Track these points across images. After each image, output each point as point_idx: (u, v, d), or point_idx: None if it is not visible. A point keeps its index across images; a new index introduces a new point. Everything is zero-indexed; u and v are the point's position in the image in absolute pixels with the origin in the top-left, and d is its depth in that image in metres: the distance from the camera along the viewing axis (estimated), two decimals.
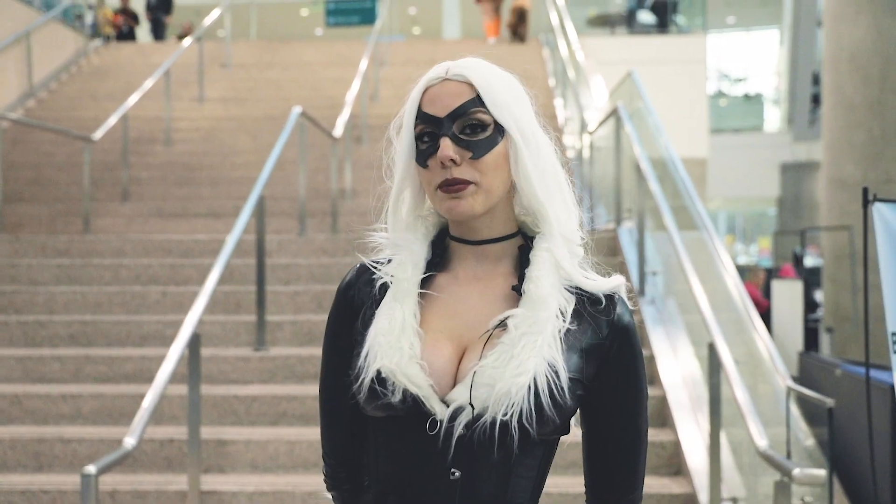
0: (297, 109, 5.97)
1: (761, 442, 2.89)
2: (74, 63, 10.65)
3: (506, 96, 1.14)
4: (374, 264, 1.19)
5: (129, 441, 2.88)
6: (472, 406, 1.08)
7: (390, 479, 1.14)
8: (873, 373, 3.16)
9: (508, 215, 1.16)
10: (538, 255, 1.13)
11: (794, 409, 3.65)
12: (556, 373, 1.08)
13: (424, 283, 1.16)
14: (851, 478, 4.00)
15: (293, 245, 5.86)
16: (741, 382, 3.26)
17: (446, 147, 1.10)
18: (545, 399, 1.07)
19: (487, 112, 1.11)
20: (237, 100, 9.46)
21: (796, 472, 2.57)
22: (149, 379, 4.13)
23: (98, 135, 7.07)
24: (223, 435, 3.95)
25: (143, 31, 14.28)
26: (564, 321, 1.11)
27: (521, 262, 1.15)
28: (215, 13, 10.76)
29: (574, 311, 1.13)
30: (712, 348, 3.53)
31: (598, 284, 1.14)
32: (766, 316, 7.10)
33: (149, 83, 8.27)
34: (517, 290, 1.13)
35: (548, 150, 1.17)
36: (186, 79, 9.47)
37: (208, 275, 4.12)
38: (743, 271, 8.22)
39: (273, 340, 4.80)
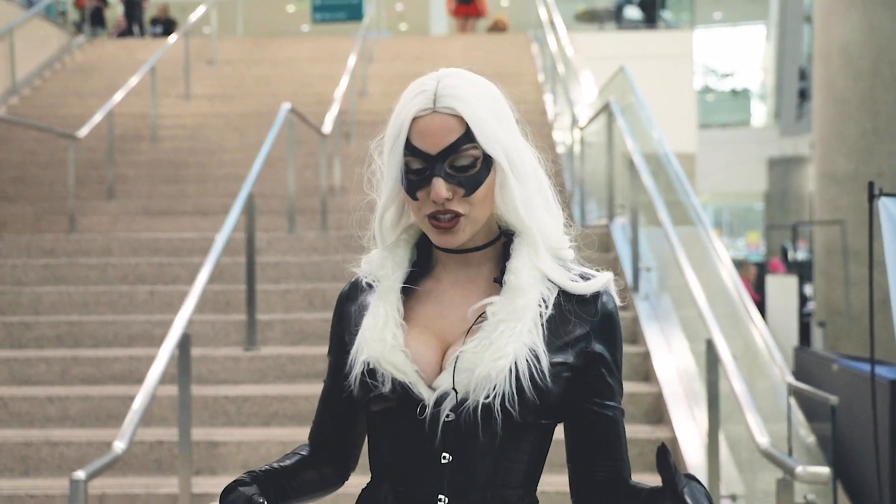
0: (286, 106, 5.90)
1: (762, 439, 2.86)
2: (58, 59, 10.52)
3: (493, 125, 1.15)
4: (361, 274, 1.25)
5: (119, 445, 2.82)
6: (455, 391, 1.11)
7: (387, 468, 1.17)
8: (868, 367, 3.14)
9: (491, 225, 1.20)
10: (517, 249, 1.17)
11: (794, 406, 3.62)
12: (537, 357, 1.11)
13: (409, 282, 1.20)
14: (851, 474, 3.98)
15: (283, 243, 5.79)
16: (740, 378, 3.22)
17: (440, 187, 1.12)
18: (526, 382, 1.10)
19: (478, 146, 1.14)
20: (224, 96, 9.36)
21: (799, 470, 2.53)
22: (137, 380, 4.05)
23: (83, 132, 6.96)
24: (214, 436, 3.89)
25: (115, 13, 14.04)
26: (546, 308, 1.15)
27: (503, 257, 1.19)
28: (201, 9, 10.64)
29: (557, 301, 1.16)
30: (710, 345, 3.50)
31: (583, 286, 1.17)
32: (758, 311, 7.08)
33: (134, 80, 8.17)
34: (499, 281, 1.17)
35: (532, 163, 1.20)
36: (172, 75, 9.37)
37: (197, 274, 4.05)
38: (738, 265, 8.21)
39: (264, 340, 4.73)
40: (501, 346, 1.11)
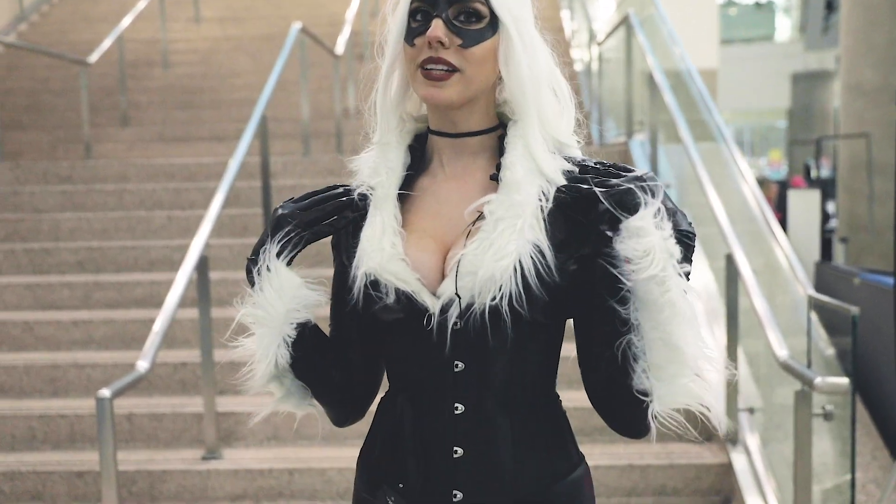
0: (296, 25, 5.78)
1: (781, 352, 2.84)
2: None
3: None
4: (349, 184, 1.20)
5: (142, 364, 2.86)
6: (458, 296, 1.08)
7: (401, 378, 1.16)
8: (891, 280, 3.10)
9: (488, 110, 1.15)
10: (511, 142, 1.12)
11: (814, 319, 3.60)
12: (541, 252, 1.07)
13: (404, 186, 1.16)
14: (870, 386, 3.99)
15: (298, 166, 5.76)
16: (760, 292, 3.20)
17: (437, 27, 1.08)
18: (532, 279, 1.07)
19: (486, 4, 1.09)
20: (235, 19, 9.19)
21: (818, 381, 2.53)
22: (158, 304, 4.10)
23: (94, 58, 6.88)
24: (236, 357, 3.94)
25: None
26: (546, 202, 1.09)
27: (500, 152, 1.14)
28: None
29: (558, 192, 1.10)
30: (730, 259, 3.47)
31: (574, 180, 1.09)
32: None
33: (142, 4, 8.03)
34: (495, 178, 1.12)
35: (544, 54, 1.15)
36: None
37: (213, 198, 4.05)
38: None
39: None
40: (503, 245, 1.07)
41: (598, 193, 1.05)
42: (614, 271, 1.05)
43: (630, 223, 1.03)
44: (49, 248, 4.95)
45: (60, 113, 7.26)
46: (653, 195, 1.04)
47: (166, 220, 5.16)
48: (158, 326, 3.09)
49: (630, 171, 1.07)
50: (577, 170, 1.11)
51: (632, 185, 1.04)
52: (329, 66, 6.70)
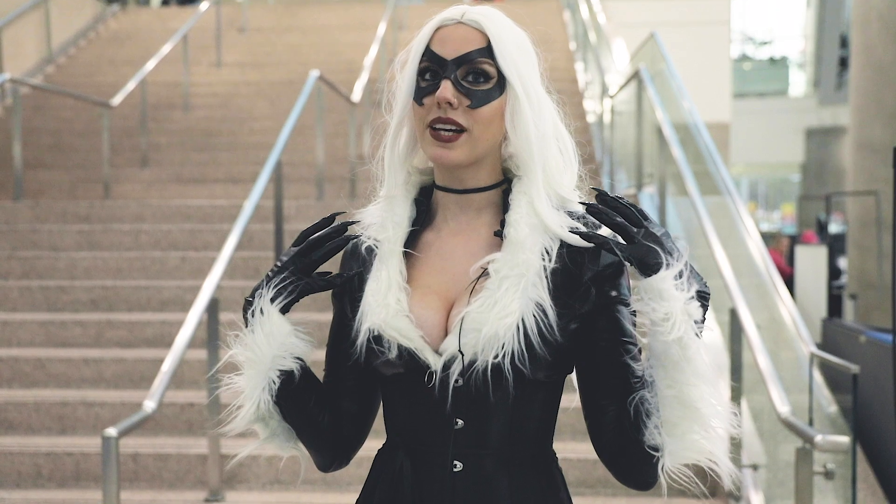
0: (314, 73, 5.92)
1: (783, 408, 2.85)
2: (93, 28, 10.62)
3: (514, 52, 1.13)
4: (356, 233, 1.21)
5: (149, 404, 2.90)
6: (461, 353, 1.08)
7: (401, 432, 1.16)
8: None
9: (495, 166, 1.16)
10: (516, 199, 1.13)
11: (817, 376, 3.60)
12: (544, 311, 1.08)
13: (410, 241, 1.17)
14: (874, 444, 3.96)
15: (311, 210, 5.85)
16: (763, 348, 3.21)
17: (446, 88, 1.10)
18: (535, 338, 1.07)
19: (494, 64, 1.11)
20: (255, 64, 9.40)
21: (819, 439, 2.53)
22: (169, 343, 4.15)
23: (117, 100, 7.06)
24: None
25: None
26: (549, 261, 1.10)
27: (504, 208, 1.15)
28: None
29: (560, 252, 1.11)
30: (734, 314, 3.49)
31: (579, 240, 1.11)
32: (789, 283, 7.01)
33: (166, 48, 8.23)
34: (499, 234, 1.13)
35: (550, 111, 1.16)
36: (204, 43, 9.42)
37: (227, 240, 4.12)
38: (766, 238, 8.13)
39: None
40: (507, 303, 1.07)
41: (620, 254, 1.06)
42: (628, 328, 1.08)
43: (652, 284, 1.04)
44: (64, 286, 5.03)
45: (82, 153, 7.42)
46: (671, 255, 1.05)
47: (180, 261, 5.24)
48: (167, 367, 3.13)
49: (645, 217, 1.08)
50: (581, 226, 1.12)
51: (654, 246, 1.05)
52: (345, 111, 6.84)
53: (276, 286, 1.17)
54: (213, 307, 3.59)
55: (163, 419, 3.91)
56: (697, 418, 1.06)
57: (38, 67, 9.14)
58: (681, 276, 1.05)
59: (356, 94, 6.58)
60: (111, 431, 2.57)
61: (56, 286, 5.03)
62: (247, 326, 1.19)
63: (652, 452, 1.08)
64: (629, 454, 1.09)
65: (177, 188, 6.69)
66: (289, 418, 1.21)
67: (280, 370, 1.17)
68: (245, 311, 1.20)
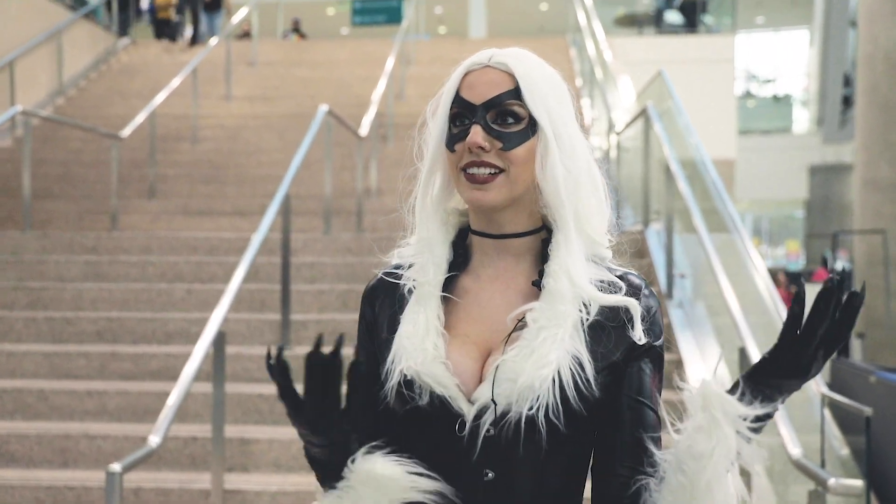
0: (323, 108, 5.96)
1: (794, 450, 2.82)
2: (104, 61, 10.74)
3: (545, 92, 1.11)
4: (395, 271, 1.18)
5: (154, 439, 2.87)
6: (494, 403, 1.06)
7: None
8: None
9: (532, 211, 1.13)
10: (555, 249, 1.11)
11: (828, 417, 3.56)
12: (581, 364, 1.06)
13: (447, 284, 1.14)
14: (888, 486, 3.91)
15: (318, 244, 5.85)
16: None
17: (476, 134, 1.08)
18: (570, 392, 1.05)
19: (524, 105, 1.10)
20: (264, 98, 9.48)
21: (832, 482, 2.50)
22: (174, 376, 4.13)
23: (126, 132, 7.11)
24: (247, 434, 3.94)
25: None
26: (588, 313, 1.09)
27: (542, 256, 1.13)
28: (242, 12, 10.80)
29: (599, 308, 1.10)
30: (743, 353, 3.46)
31: (612, 299, 1.10)
32: None
33: (176, 81, 8.31)
34: (537, 284, 1.11)
35: (583, 150, 1.14)
36: (214, 77, 9.52)
37: (233, 273, 4.12)
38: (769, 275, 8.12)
39: (297, 339, 4.78)
40: (544, 353, 1.05)
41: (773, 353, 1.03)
42: (649, 388, 1.10)
43: (736, 406, 1.02)
44: (70, 317, 5.02)
45: (90, 184, 7.45)
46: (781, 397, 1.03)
47: (186, 293, 5.23)
48: (173, 401, 3.11)
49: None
50: (620, 284, 1.11)
51: (801, 381, 1.02)
52: (353, 145, 6.87)
53: (339, 449, 1.11)
54: (219, 340, 3.57)
55: (166, 453, 3.87)
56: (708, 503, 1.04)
57: (49, 99, 9.23)
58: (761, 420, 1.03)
59: (364, 129, 6.62)
60: (115, 467, 2.54)
61: (61, 317, 5.02)
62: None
63: None
64: None
65: (184, 220, 6.71)
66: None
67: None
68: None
